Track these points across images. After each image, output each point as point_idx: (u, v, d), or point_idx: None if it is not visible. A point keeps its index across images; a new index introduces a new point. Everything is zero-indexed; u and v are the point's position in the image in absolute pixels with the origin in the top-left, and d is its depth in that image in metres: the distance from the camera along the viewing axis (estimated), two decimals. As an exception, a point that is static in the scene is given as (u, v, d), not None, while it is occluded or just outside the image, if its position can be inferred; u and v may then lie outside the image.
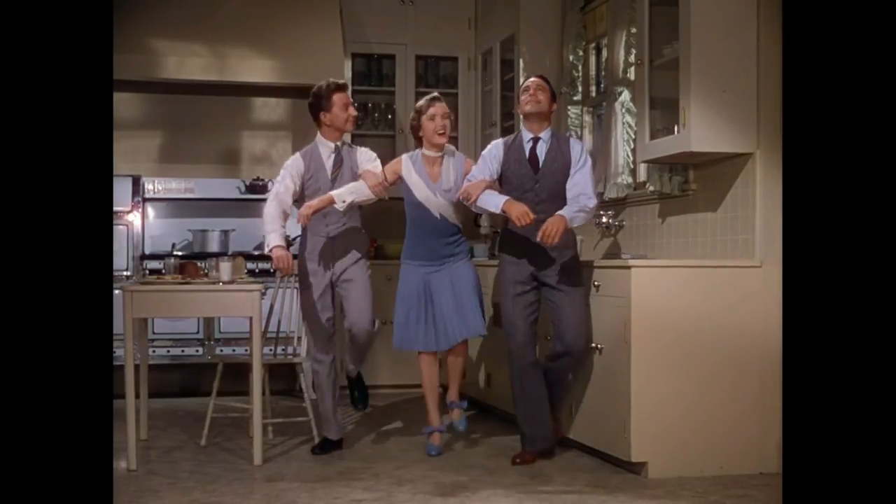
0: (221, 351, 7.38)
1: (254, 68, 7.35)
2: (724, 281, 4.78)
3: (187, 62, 7.24)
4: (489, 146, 5.24)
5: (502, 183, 5.15)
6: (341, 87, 5.41)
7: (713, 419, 4.75)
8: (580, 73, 6.79)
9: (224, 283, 5.08)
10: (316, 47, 7.40)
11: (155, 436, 5.81)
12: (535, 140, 5.12)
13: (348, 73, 7.74)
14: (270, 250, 5.16)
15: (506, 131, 7.39)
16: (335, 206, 5.15)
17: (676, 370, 4.71)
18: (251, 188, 7.85)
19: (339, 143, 5.38)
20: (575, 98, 6.80)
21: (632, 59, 5.76)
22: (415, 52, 8.05)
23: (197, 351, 7.44)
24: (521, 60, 7.02)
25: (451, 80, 8.12)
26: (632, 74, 5.77)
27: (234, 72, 7.29)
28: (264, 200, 5.52)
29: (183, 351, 7.42)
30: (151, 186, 7.74)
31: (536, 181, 5.07)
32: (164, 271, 5.68)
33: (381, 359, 7.33)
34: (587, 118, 6.81)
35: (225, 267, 5.14)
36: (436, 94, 5.44)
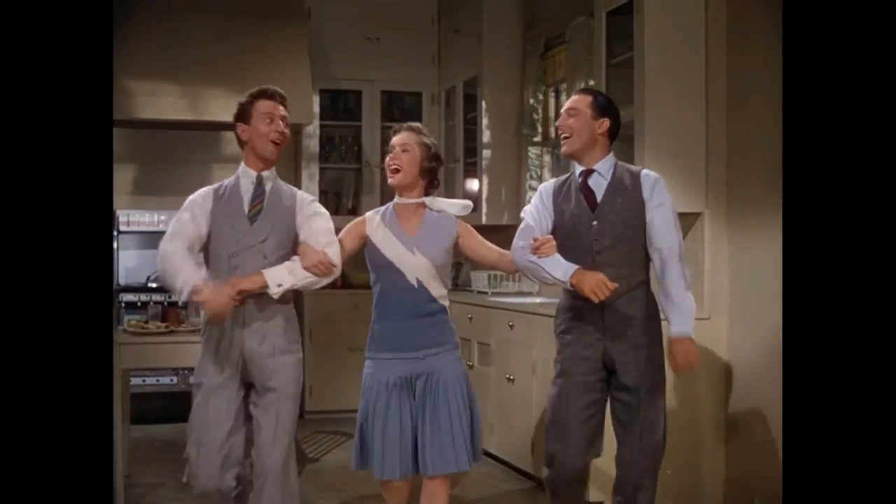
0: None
1: (225, 107, 7.52)
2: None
3: (160, 102, 7.45)
4: (539, 189, 4.17)
5: (553, 234, 4.01)
6: (266, 94, 4.08)
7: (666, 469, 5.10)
8: (540, 116, 7.11)
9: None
10: (285, 84, 7.54)
11: (137, 471, 6.04)
12: (588, 173, 4.01)
13: (316, 109, 8.01)
14: (192, 293, 3.78)
15: (468, 167, 7.71)
16: (268, 290, 3.82)
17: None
18: (222, 220, 8.06)
19: (262, 174, 4.01)
20: (535, 139, 7.12)
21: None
22: (380, 87, 8.33)
23: (171, 380, 7.69)
24: (483, 102, 7.33)
25: (415, 115, 8.39)
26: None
27: (206, 111, 7.52)
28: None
29: (158, 381, 7.67)
30: (125, 219, 7.97)
31: (593, 221, 3.93)
32: (147, 319, 5.89)
33: (349, 381, 7.61)
34: (546, 158, 7.14)
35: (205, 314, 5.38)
36: (413, 124, 4.10)
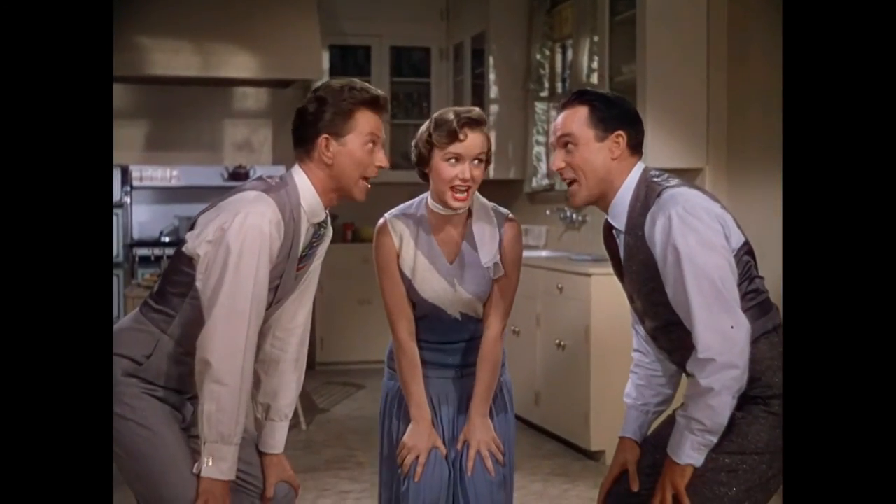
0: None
1: (235, 64, 7.66)
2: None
3: (171, 59, 7.53)
4: None
5: None
6: (378, 102, 2.72)
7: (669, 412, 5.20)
8: (546, 71, 7.17)
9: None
10: (295, 41, 7.71)
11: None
12: (608, 226, 2.78)
13: (326, 65, 8.08)
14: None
15: (476, 122, 7.75)
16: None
17: (633, 366, 5.12)
18: (234, 175, 8.19)
19: (327, 213, 2.78)
20: (542, 95, 7.18)
21: (594, 65, 6.15)
22: (389, 43, 8.38)
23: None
24: (490, 57, 7.38)
25: (424, 71, 8.46)
26: (595, 79, 6.15)
27: (216, 67, 7.60)
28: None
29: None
30: (138, 174, 8.09)
31: (631, 300, 2.81)
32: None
33: (358, 333, 7.80)
34: (553, 114, 7.21)
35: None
36: (475, 110, 2.91)
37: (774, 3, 4.53)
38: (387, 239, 2.98)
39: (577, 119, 2.69)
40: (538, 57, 7.16)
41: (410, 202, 3.05)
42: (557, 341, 5.46)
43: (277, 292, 2.68)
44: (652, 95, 5.17)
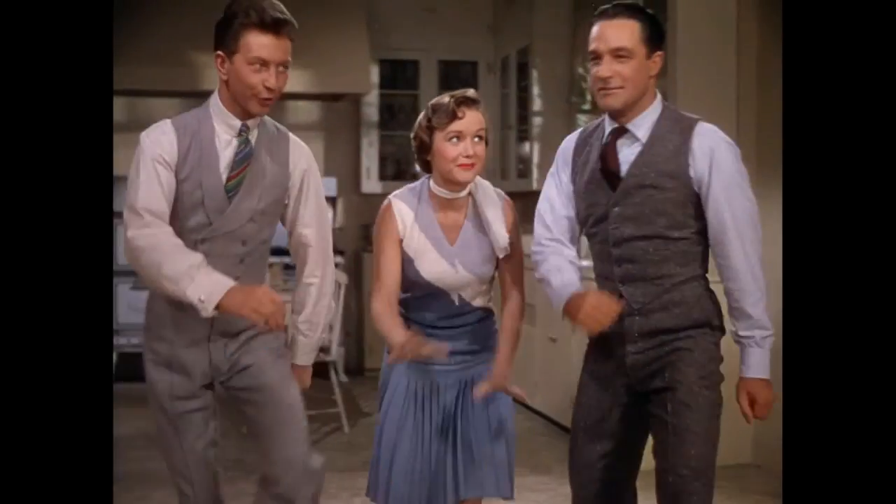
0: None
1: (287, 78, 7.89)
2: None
3: (226, 73, 7.77)
4: (558, 151, 3.10)
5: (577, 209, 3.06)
6: (264, 22, 2.75)
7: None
8: (588, 84, 7.31)
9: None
10: (345, 56, 7.94)
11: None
12: (618, 133, 2.91)
13: (375, 79, 8.31)
14: (222, 301, 2.70)
15: (521, 134, 7.97)
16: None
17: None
18: (287, 185, 8.40)
19: (247, 124, 2.86)
20: (584, 107, 7.36)
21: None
22: (437, 57, 8.60)
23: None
24: (534, 71, 7.57)
25: (471, 84, 8.60)
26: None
27: (270, 82, 7.83)
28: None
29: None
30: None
31: (613, 204, 2.89)
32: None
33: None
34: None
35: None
36: (470, 91, 3.08)
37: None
38: (392, 217, 3.09)
39: (630, 33, 2.82)
40: (580, 70, 7.34)
41: (414, 185, 3.16)
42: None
43: (207, 200, 2.84)
44: (682, 101, 5.31)
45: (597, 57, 2.85)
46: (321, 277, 3.08)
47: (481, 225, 3.11)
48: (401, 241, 3.08)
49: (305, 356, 3.14)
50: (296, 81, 7.84)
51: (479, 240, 3.11)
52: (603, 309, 2.76)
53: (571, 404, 3.12)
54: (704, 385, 2.86)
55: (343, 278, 6.12)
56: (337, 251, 7.93)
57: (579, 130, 3.08)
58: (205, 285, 2.69)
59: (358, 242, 8.60)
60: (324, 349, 6.20)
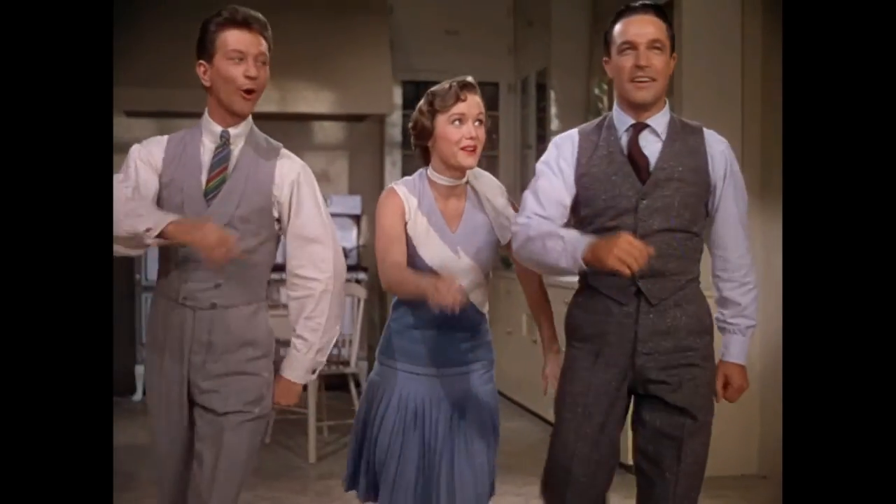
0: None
1: (311, 99, 8.12)
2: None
3: (254, 95, 7.97)
4: (550, 146, 3.14)
5: (576, 208, 3.08)
6: (236, 21, 2.92)
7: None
8: (604, 105, 7.49)
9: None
10: (368, 77, 8.14)
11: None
12: (639, 128, 2.99)
13: (398, 100, 8.51)
14: (168, 227, 2.78)
15: (539, 154, 8.06)
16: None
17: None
18: (312, 204, 8.59)
19: (228, 131, 2.98)
20: (601, 127, 7.51)
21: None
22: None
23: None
24: (551, 92, 7.74)
25: (492, 104, 8.82)
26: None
27: (294, 103, 8.04)
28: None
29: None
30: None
31: (642, 196, 2.94)
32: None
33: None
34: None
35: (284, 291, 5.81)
36: (469, 77, 3.13)
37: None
38: (399, 201, 3.10)
39: (662, 29, 2.96)
40: (596, 91, 7.50)
41: (410, 177, 3.18)
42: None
43: (186, 203, 2.93)
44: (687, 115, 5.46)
45: (632, 48, 2.92)
46: (324, 282, 3.04)
47: (481, 212, 3.16)
48: (406, 224, 3.09)
49: (294, 372, 3.08)
50: (320, 102, 8.14)
51: (480, 227, 3.15)
52: (638, 245, 2.63)
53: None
54: (711, 412, 3.08)
55: (362, 293, 6.25)
56: (360, 268, 8.11)
57: (577, 129, 3.14)
58: (154, 217, 2.78)
59: (381, 259, 8.73)
60: (344, 362, 6.37)
